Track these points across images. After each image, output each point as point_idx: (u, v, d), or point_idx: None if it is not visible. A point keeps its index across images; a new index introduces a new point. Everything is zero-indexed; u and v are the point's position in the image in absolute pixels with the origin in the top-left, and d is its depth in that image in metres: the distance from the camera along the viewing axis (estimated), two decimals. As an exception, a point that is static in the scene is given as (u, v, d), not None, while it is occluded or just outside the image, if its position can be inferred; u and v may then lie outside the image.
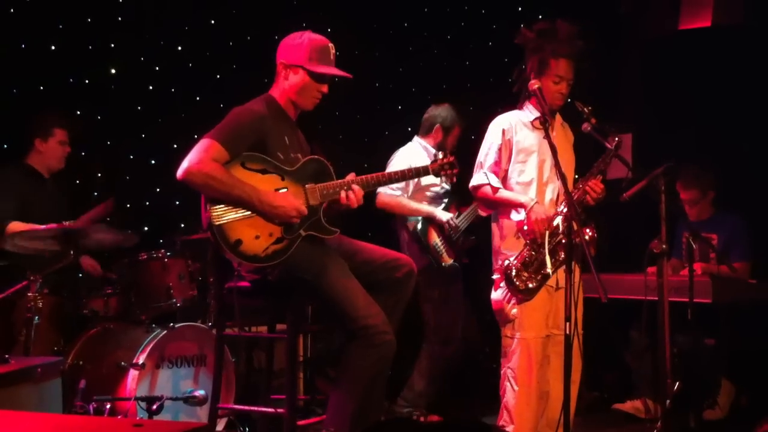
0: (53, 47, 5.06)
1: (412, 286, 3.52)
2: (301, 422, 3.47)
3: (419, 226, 4.83)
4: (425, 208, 4.85)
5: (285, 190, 3.32)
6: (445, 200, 4.95)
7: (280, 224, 3.26)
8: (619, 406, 4.97)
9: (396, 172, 3.60)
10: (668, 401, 3.92)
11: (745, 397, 4.84)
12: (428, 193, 4.92)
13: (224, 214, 3.19)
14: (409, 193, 4.88)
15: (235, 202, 3.19)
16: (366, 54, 6.10)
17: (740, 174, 5.40)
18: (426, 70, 6.27)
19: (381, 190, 4.79)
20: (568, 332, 3.32)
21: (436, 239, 4.83)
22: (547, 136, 3.56)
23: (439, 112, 5.01)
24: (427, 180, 4.84)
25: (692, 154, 5.23)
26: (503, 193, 3.90)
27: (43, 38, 5.02)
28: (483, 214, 4.19)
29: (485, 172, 3.93)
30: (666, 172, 3.89)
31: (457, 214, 4.91)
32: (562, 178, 3.43)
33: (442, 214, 4.83)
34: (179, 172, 3.17)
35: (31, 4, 4.91)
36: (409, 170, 3.60)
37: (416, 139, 5.04)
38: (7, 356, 3.25)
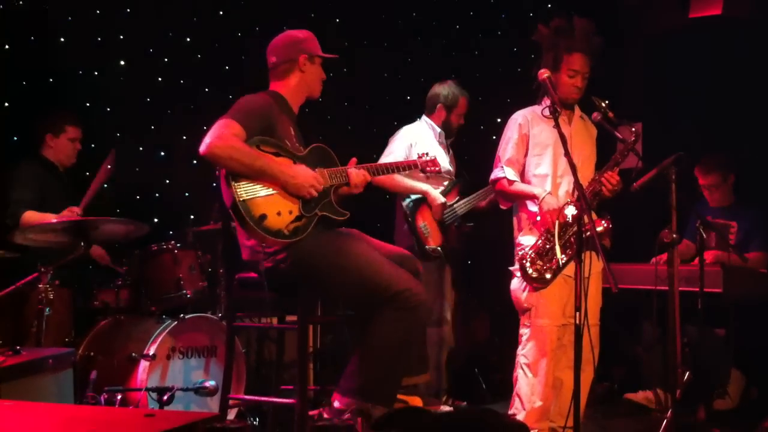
0: (62, 40, 5.07)
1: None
2: (311, 412, 3.48)
3: (411, 204, 4.81)
4: (420, 186, 4.80)
5: None
6: (446, 183, 4.93)
7: (299, 199, 3.32)
8: (630, 396, 4.97)
9: (391, 164, 3.81)
10: (678, 391, 3.92)
11: (755, 389, 4.83)
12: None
13: (247, 191, 3.24)
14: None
15: (259, 173, 3.25)
16: (375, 45, 6.09)
17: (744, 167, 5.37)
18: (434, 61, 6.26)
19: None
20: (578, 322, 3.32)
21: (424, 221, 4.79)
22: (557, 126, 3.56)
23: (440, 90, 5.00)
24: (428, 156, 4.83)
25: (696, 148, 5.20)
26: (518, 186, 3.97)
27: (53, 31, 5.03)
28: (502, 207, 4.22)
29: (502, 166, 4.01)
30: (677, 162, 3.88)
31: (457, 199, 4.90)
32: (573, 168, 3.43)
33: (437, 195, 4.80)
34: (202, 148, 3.20)
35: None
36: (401, 162, 3.88)
37: (423, 118, 5.06)
38: (18, 348, 3.27)
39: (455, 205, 4.87)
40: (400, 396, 3.49)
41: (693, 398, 4.21)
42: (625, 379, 5.24)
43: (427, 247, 4.74)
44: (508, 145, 4.04)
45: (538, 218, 3.89)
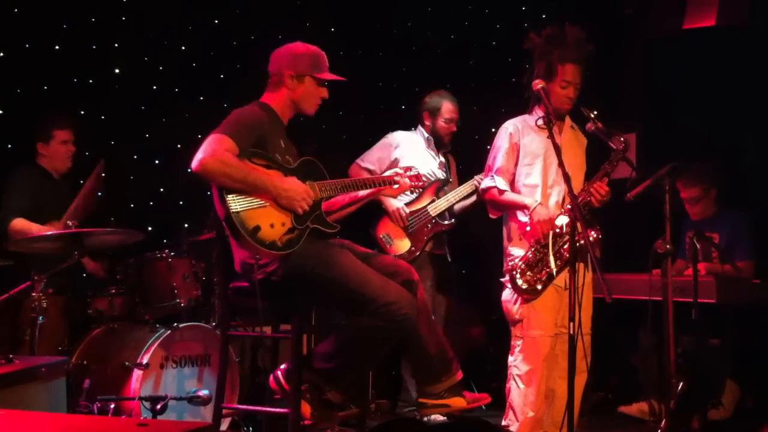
0: (57, 47, 5.06)
1: (412, 292, 3.51)
2: (305, 422, 3.47)
3: (374, 220, 4.84)
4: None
5: None
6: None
7: (291, 212, 3.33)
8: (624, 409, 4.95)
9: (368, 179, 3.73)
10: (673, 401, 3.92)
11: (750, 398, 4.83)
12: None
13: (240, 203, 3.24)
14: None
15: (252, 188, 3.25)
16: (369, 53, 6.10)
17: (743, 173, 5.39)
18: (429, 70, 6.27)
19: (356, 162, 4.97)
20: (571, 332, 3.32)
21: (386, 231, 4.81)
22: (551, 136, 3.57)
23: (425, 99, 5.08)
24: (409, 163, 4.68)
25: (694, 154, 5.22)
26: (508, 195, 3.96)
27: (47, 38, 5.02)
28: (492, 216, 4.22)
29: (493, 176, 4.00)
30: (671, 172, 3.89)
31: (431, 200, 4.89)
32: (566, 178, 3.44)
33: (392, 203, 4.79)
34: (194, 164, 3.20)
35: (34, 4, 4.92)
36: (378, 177, 3.78)
37: (417, 128, 5.14)
38: (11, 356, 3.25)
39: (428, 207, 4.86)
40: (441, 401, 3.49)
41: (688, 408, 4.22)
42: (621, 389, 5.24)
43: (394, 255, 4.69)
44: (498, 155, 4.04)
45: (528, 228, 3.89)
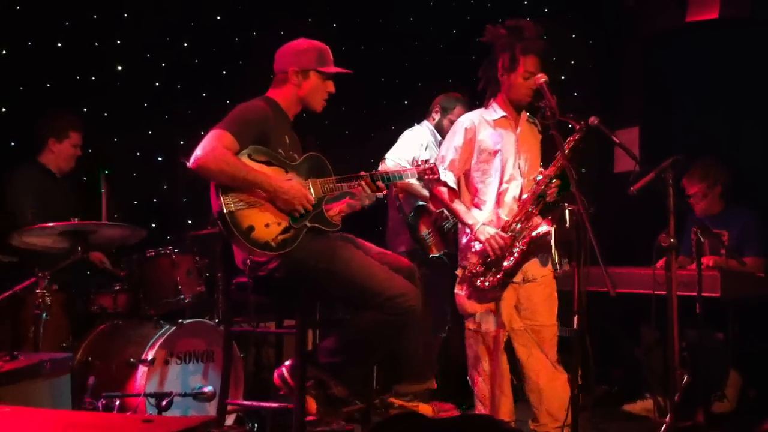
0: (59, 45, 5.07)
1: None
2: (309, 417, 3.48)
3: (413, 215, 4.85)
4: (424, 192, 4.82)
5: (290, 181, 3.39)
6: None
7: (288, 213, 3.31)
8: (629, 407, 4.93)
9: (393, 170, 3.72)
10: (677, 395, 3.92)
11: (753, 391, 4.83)
12: None
13: (236, 202, 3.23)
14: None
15: (250, 186, 3.24)
16: (372, 49, 6.10)
17: (744, 168, 5.37)
18: (431, 65, 6.27)
19: (389, 161, 4.88)
20: (576, 327, 3.32)
21: (425, 230, 4.84)
22: (555, 129, 3.57)
23: (443, 95, 5.13)
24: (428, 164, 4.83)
25: (696, 149, 5.20)
26: (456, 204, 3.93)
27: (50, 36, 5.03)
28: (433, 208, 4.23)
29: (444, 170, 3.94)
30: (674, 165, 3.87)
31: None
32: (570, 170, 3.44)
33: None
34: (192, 161, 3.19)
35: (37, 1, 4.92)
36: (400, 170, 3.74)
37: (425, 123, 5.15)
38: (16, 353, 3.26)
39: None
40: (412, 404, 3.50)
41: (692, 402, 4.21)
42: (624, 383, 5.24)
43: (430, 255, 4.81)
44: (452, 149, 3.96)
45: (474, 248, 3.86)
